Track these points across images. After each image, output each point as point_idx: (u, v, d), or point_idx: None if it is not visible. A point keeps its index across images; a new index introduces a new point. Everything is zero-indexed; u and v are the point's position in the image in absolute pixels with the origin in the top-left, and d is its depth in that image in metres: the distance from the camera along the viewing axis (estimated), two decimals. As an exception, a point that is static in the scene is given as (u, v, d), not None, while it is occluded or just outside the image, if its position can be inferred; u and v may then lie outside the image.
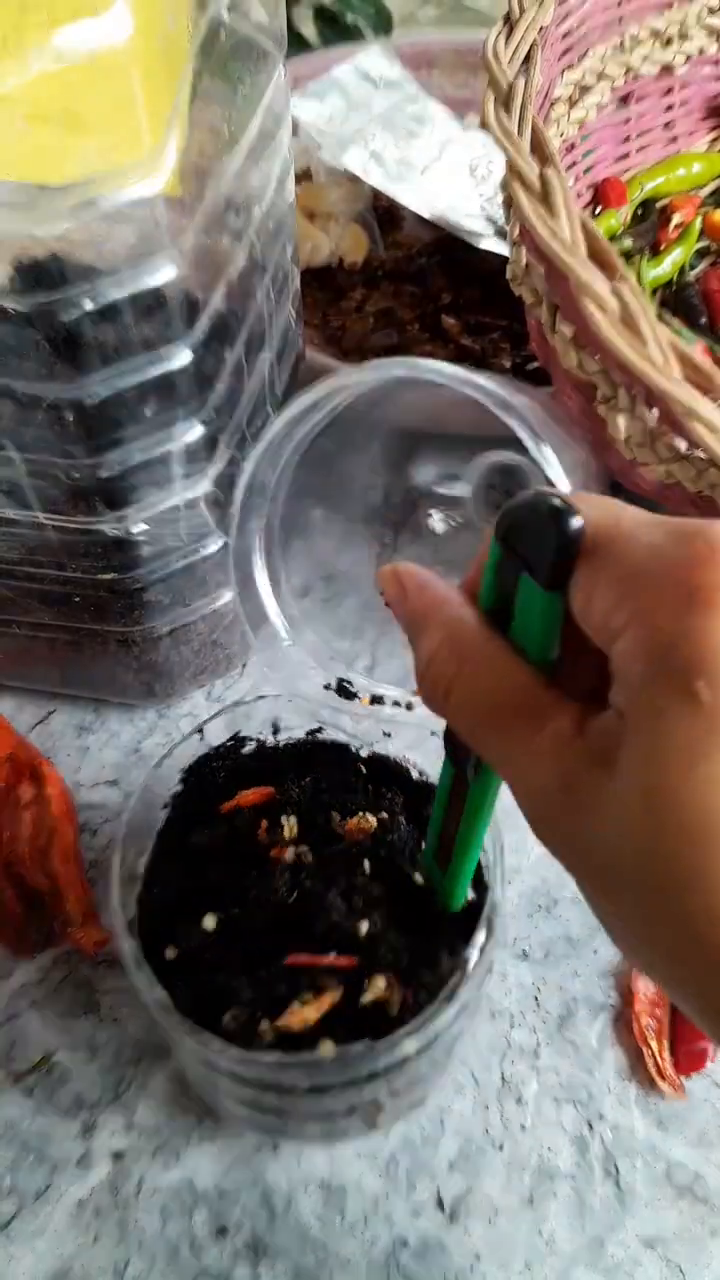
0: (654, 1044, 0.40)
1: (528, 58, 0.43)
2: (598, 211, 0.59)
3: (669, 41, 0.58)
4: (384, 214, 0.72)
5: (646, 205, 0.61)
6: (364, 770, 0.41)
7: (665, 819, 0.19)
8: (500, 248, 0.63)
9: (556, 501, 0.22)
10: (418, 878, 0.36)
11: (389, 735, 0.41)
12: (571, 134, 0.55)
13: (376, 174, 0.65)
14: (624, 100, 0.59)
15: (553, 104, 0.52)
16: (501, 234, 0.65)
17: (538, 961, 0.43)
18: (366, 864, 0.36)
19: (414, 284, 0.67)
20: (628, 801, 0.20)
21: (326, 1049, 0.31)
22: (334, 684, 0.45)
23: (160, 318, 0.35)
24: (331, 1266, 0.36)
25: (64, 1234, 0.36)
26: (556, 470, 0.34)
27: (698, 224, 0.60)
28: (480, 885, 0.35)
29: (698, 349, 0.51)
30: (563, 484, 0.34)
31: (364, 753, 0.41)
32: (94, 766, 0.49)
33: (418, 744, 0.41)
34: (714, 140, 0.65)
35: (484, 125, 0.41)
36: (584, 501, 0.22)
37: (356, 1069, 0.31)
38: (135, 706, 0.52)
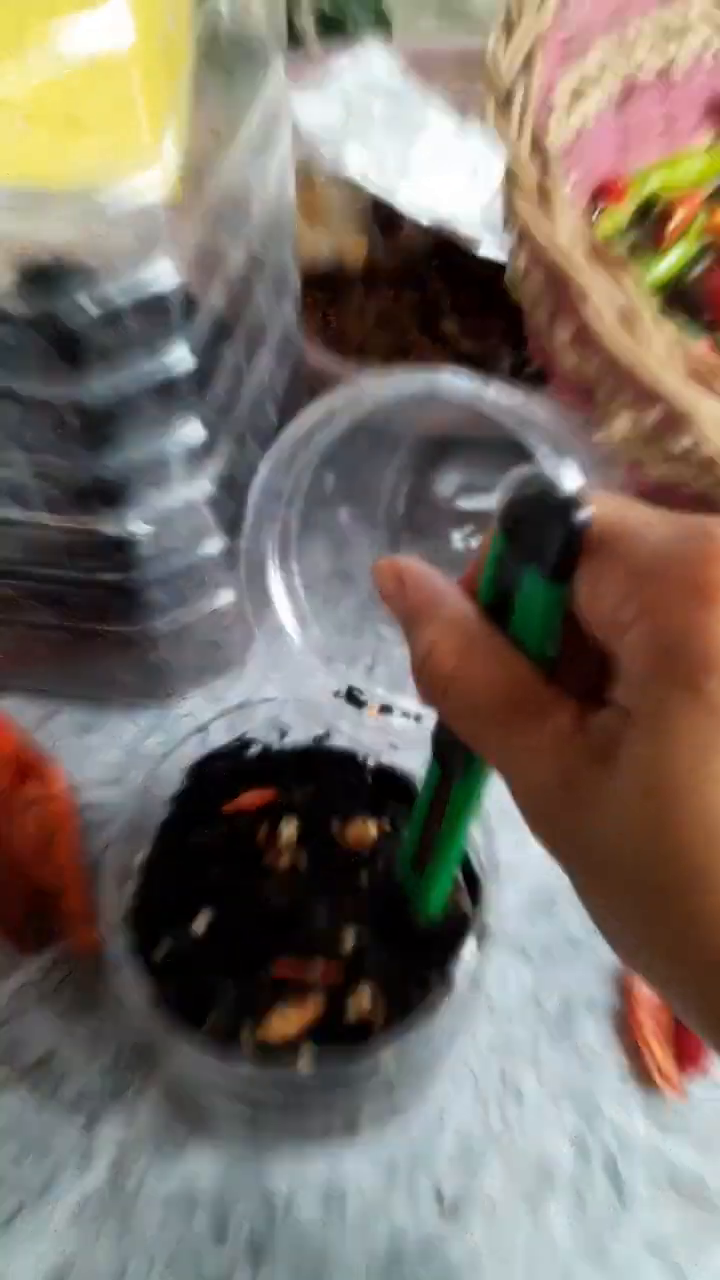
0: (654, 1044, 0.40)
1: (527, 60, 0.43)
2: (598, 211, 0.59)
3: (669, 41, 0.58)
4: (383, 216, 0.72)
5: (647, 205, 0.61)
6: (369, 780, 0.41)
7: (668, 817, 0.19)
8: (499, 251, 0.63)
9: (564, 493, 0.21)
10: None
11: (395, 747, 0.41)
12: (571, 133, 0.55)
13: (375, 177, 0.65)
14: (624, 100, 0.59)
15: (553, 105, 0.52)
16: (501, 237, 0.64)
17: (538, 962, 0.43)
18: (364, 874, 0.36)
19: (413, 286, 0.68)
20: (629, 799, 0.20)
21: (304, 1062, 0.31)
22: (343, 691, 0.45)
23: (160, 318, 0.36)
24: (331, 1266, 0.36)
25: (64, 1233, 0.36)
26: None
27: (698, 223, 0.60)
28: (474, 899, 0.35)
29: (701, 348, 0.51)
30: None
31: (371, 762, 0.41)
32: (95, 766, 0.49)
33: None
34: (714, 139, 0.64)
35: (484, 128, 0.41)
36: (591, 496, 0.22)
37: (334, 1081, 0.31)
38: (136, 706, 0.52)
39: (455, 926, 0.35)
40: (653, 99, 0.60)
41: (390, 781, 0.40)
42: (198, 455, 0.41)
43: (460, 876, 0.37)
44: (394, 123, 0.69)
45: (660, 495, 0.41)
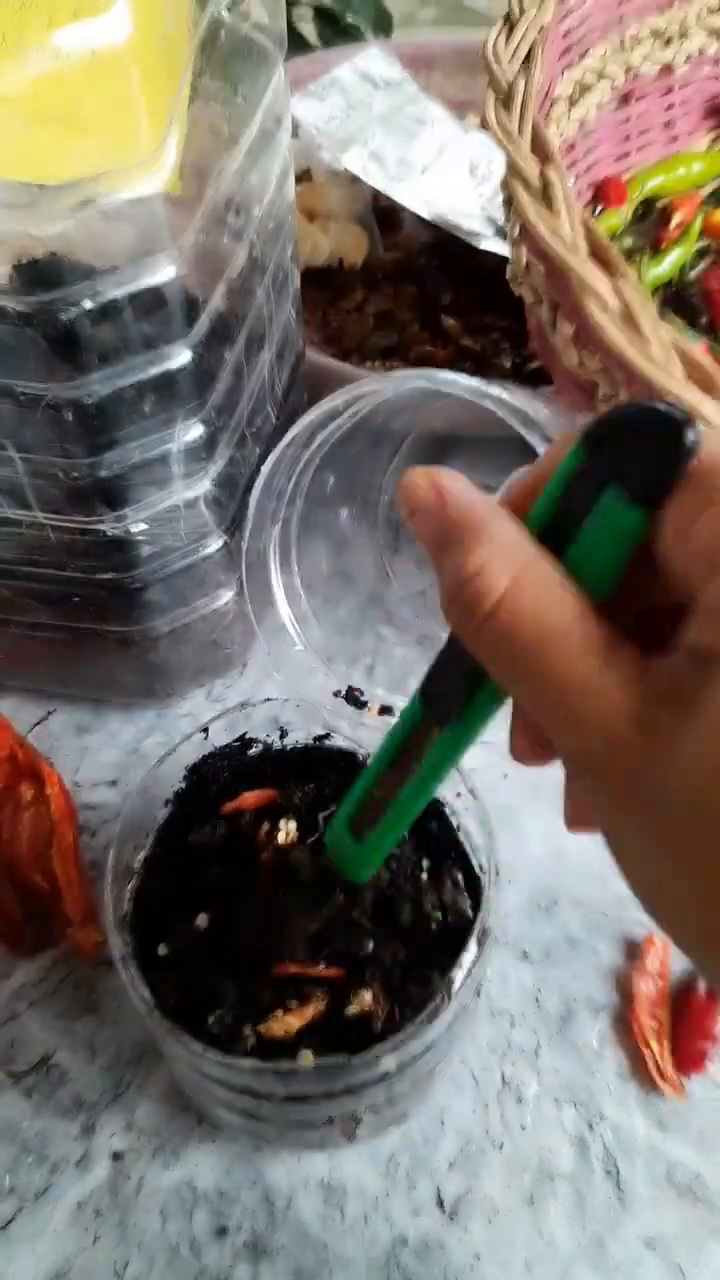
0: (654, 1044, 0.40)
1: (528, 57, 0.43)
2: (598, 211, 0.59)
3: (669, 41, 0.58)
4: (384, 215, 0.72)
5: (647, 204, 0.61)
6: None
7: None
8: (500, 247, 0.63)
9: (674, 409, 0.19)
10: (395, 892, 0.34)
11: None
12: (572, 133, 0.55)
13: (376, 174, 0.65)
14: (624, 99, 0.59)
15: (553, 103, 0.52)
16: (501, 233, 0.65)
17: (538, 962, 0.43)
18: None
19: (414, 284, 0.68)
20: (714, 745, 0.18)
21: (305, 1059, 0.31)
22: (344, 691, 0.45)
23: (160, 317, 0.35)
24: (332, 1266, 0.36)
25: (64, 1234, 0.36)
26: None
27: (698, 223, 0.60)
28: (475, 901, 0.35)
29: (699, 349, 0.51)
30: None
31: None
32: (93, 766, 0.49)
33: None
34: (714, 140, 0.64)
35: (484, 125, 0.40)
36: (702, 425, 0.20)
37: (333, 1082, 0.31)
38: (135, 706, 0.52)
39: (456, 928, 0.35)
40: (653, 100, 0.60)
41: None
42: (198, 455, 0.40)
43: (460, 878, 0.37)
44: (394, 120, 0.69)
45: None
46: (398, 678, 0.48)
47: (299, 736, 0.42)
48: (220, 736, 0.41)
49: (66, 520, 0.40)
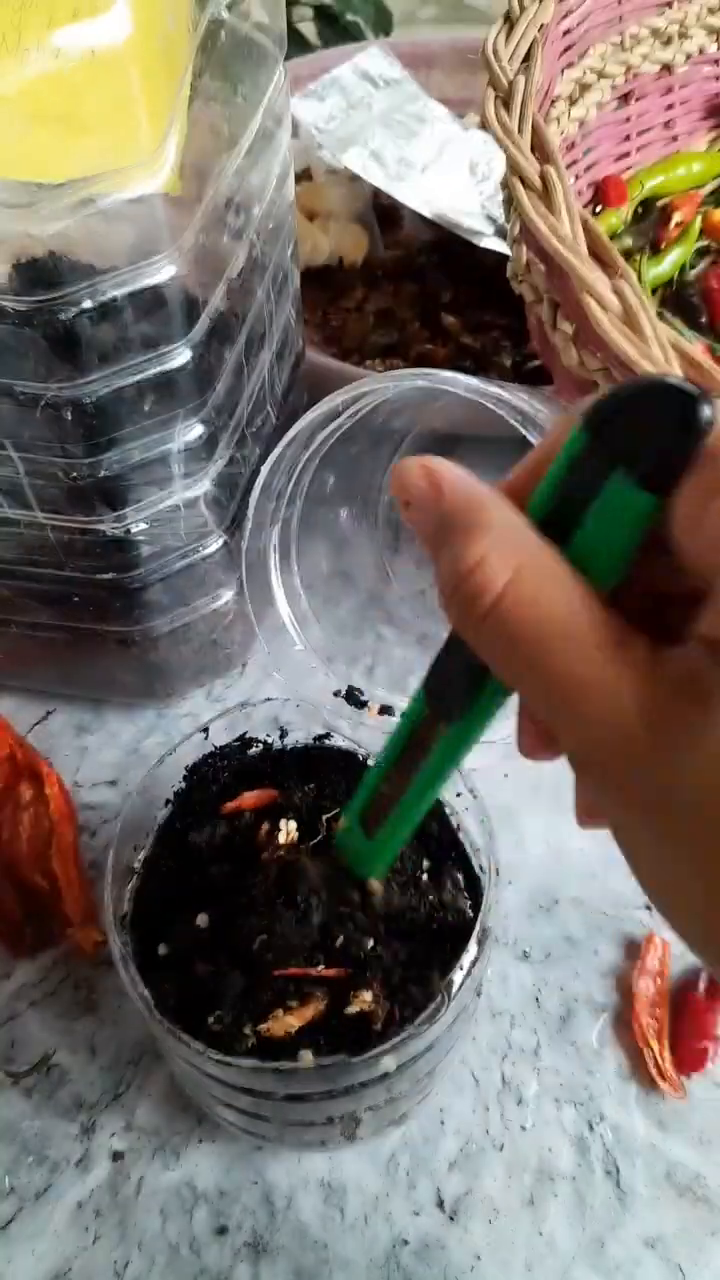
0: (654, 1044, 0.40)
1: (528, 56, 0.43)
2: (598, 210, 0.59)
3: (669, 40, 0.58)
4: (384, 213, 0.72)
5: (647, 204, 0.61)
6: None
7: None
8: (500, 246, 0.63)
9: (686, 384, 0.18)
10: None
11: None
12: (572, 132, 0.55)
13: (376, 173, 0.65)
14: (624, 99, 0.59)
15: (553, 102, 0.52)
16: (501, 232, 0.64)
17: (538, 962, 0.43)
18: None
19: (414, 283, 0.67)
20: None
21: (305, 1059, 0.31)
22: (344, 691, 0.45)
23: (160, 317, 0.35)
24: (332, 1266, 0.36)
25: (64, 1234, 0.36)
26: None
27: (698, 223, 0.60)
28: (475, 901, 0.35)
29: (698, 349, 0.51)
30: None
31: (371, 761, 0.41)
32: (93, 766, 0.49)
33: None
34: (714, 139, 0.64)
35: (484, 123, 0.40)
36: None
37: (333, 1081, 0.31)
38: (134, 706, 0.52)
39: (456, 928, 0.35)
40: (653, 100, 0.60)
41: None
42: (198, 455, 0.40)
43: (460, 878, 0.37)
44: (394, 119, 0.69)
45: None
46: (398, 678, 0.48)
47: (299, 736, 0.42)
48: (220, 736, 0.41)
49: (66, 520, 0.40)
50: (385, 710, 0.44)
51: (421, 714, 0.25)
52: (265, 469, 0.41)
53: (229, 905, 0.35)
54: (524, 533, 0.20)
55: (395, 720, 0.42)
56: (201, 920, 0.35)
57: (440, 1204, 0.37)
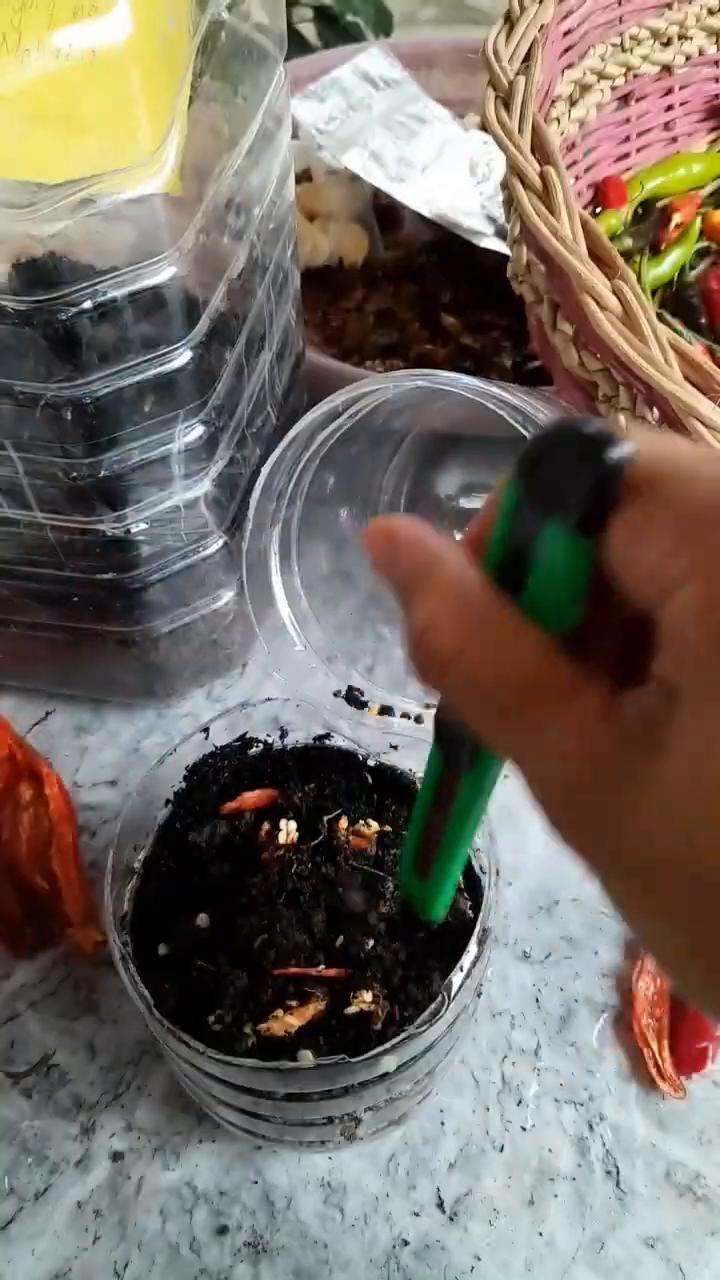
0: (654, 1044, 0.40)
1: (528, 56, 0.43)
2: (598, 211, 0.59)
3: (669, 42, 0.58)
4: (384, 214, 0.72)
5: (646, 205, 0.61)
6: (369, 780, 0.40)
7: None
8: (500, 246, 0.63)
9: (593, 428, 0.18)
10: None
11: (395, 748, 0.41)
12: (572, 133, 0.55)
13: (377, 174, 0.65)
14: (624, 100, 0.59)
15: (553, 103, 0.52)
16: (501, 233, 0.64)
17: (538, 962, 0.43)
18: (363, 875, 0.36)
19: (414, 283, 0.67)
20: (681, 789, 0.17)
21: (305, 1059, 0.31)
22: (344, 691, 0.45)
23: (160, 317, 0.35)
24: (332, 1266, 0.36)
25: (64, 1235, 0.36)
26: None
27: (697, 224, 0.60)
28: (475, 901, 0.35)
29: (698, 350, 0.51)
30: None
31: (371, 762, 0.41)
32: (93, 766, 0.49)
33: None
34: (714, 140, 0.64)
35: (484, 124, 0.40)
36: (634, 434, 0.19)
37: (333, 1081, 0.31)
38: (134, 706, 0.52)
39: (457, 928, 0.35)
40: (653, 100, 0.60)
41: (390, 781, 0.40)
42: (198, 455, 0.41)
43: (461, 879, 0.37)
44: (394, 119, 0.69)
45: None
46: (398, 678, 0.48)
47: (299, 736, 0.42)
48: (220, 736, 0.41)
49: (66, 520, 0.40)
50: (385, 710, 0.44)
51: (439, 764, 0.26)
52: (265, 469, 0.41)
53: (229, 905, 0.35)
54: (474, 588, 0.20)
55: (394, 720, 0.42)
56: (201, 920, 0.35)
57: (440, 1204, 0.37)
